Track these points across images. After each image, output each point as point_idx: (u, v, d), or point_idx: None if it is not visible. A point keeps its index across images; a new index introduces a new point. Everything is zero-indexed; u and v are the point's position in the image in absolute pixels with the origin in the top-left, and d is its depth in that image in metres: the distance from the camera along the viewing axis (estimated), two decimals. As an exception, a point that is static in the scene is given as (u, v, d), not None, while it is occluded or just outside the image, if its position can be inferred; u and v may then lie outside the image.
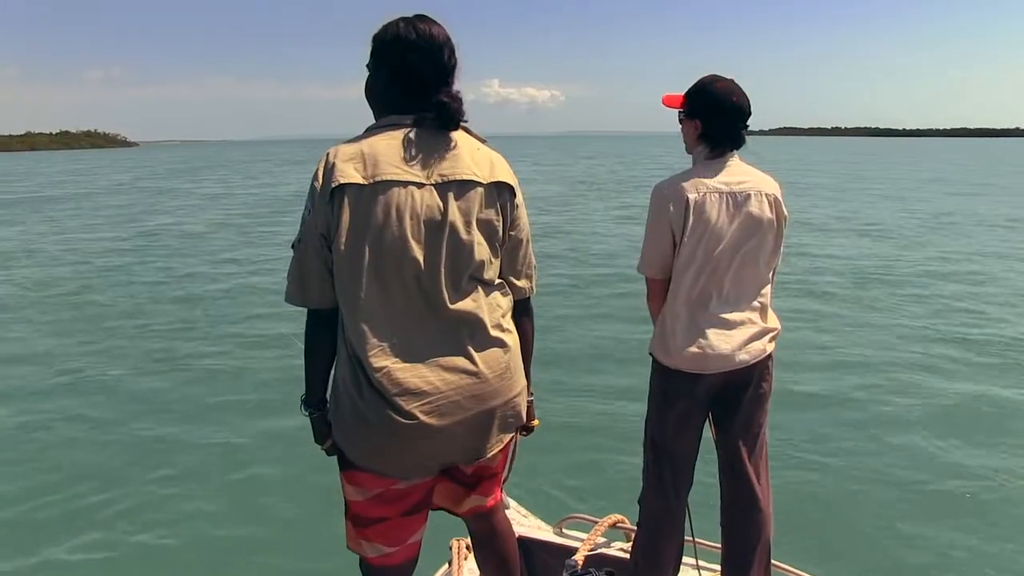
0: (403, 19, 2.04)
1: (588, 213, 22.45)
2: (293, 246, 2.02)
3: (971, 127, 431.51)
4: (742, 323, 2.68)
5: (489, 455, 2.13)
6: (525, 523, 3.37)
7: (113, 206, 27.62)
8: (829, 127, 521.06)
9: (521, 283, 2.20)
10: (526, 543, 3.15)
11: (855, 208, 23.82)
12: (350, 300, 1.95)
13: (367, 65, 2.11)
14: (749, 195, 2.64)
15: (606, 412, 6.53)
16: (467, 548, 2.91)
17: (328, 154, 1.97)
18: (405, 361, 1.95)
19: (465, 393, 2.00)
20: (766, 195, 2.66)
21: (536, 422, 2.42)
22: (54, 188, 39.73)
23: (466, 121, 2.06)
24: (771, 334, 2.74)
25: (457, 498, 2.30)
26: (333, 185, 1.91)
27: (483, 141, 2.12)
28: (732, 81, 2.70)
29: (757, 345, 2.70)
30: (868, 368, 7.70)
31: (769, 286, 2.77)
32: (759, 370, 2.73)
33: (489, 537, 2.43)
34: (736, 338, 2.66)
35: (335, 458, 2.13)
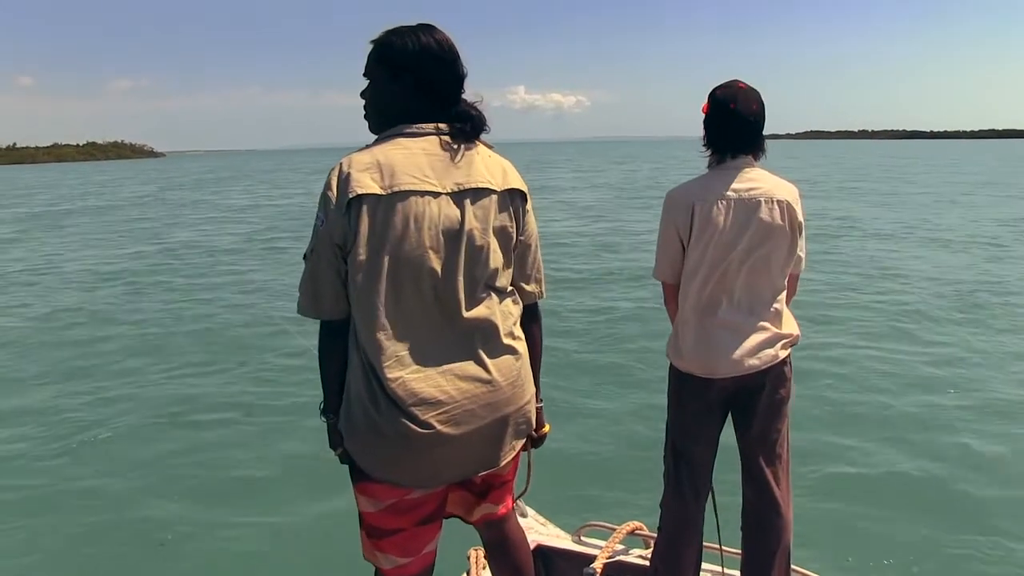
0: (419, 29, 2.05)
1: (640, 222, 20.83)
2: (305, 257, 2.03)
3: (998, 128, 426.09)
4: (753, 329, 2.70)
5: (503, 463, 2.16)
6: (543, 531, 3.41)
7: (133, 220, 26.51)
8: (856, 130, 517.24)
9: (531, 288, 2.23)
10: (544, 551, 3.21)
11: (920, 214, 22.20)
12: (366, 310, 1.97)
13: (371, 73, 2.10)
14: (759, 201, 2.65)
15: (627, 418, 6.39)
16: (485, 558, 2.86)
17: (341, 164, 1.98)
18: (420, 371, 1.97)
19: (480, 402, 2.02)
20: (777, 201, 2.66)
21: (547, 428, 2.43)
22: (75, 201, 38.80)
23: (488, 130, 2.10)
24: (784, 340, 2.75)
25: (468, 506, 2.31)
26: (350, 196, 1.92)
27: (491, 148, 2.13)
28: (736, 86, 2.70)
29: (768, 351, 2.70)
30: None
31: (784, 292, 2.78)
32: (773, 376, 2.75)
33: (502, 545, 2.44)
34: (746, 344, 2.68)
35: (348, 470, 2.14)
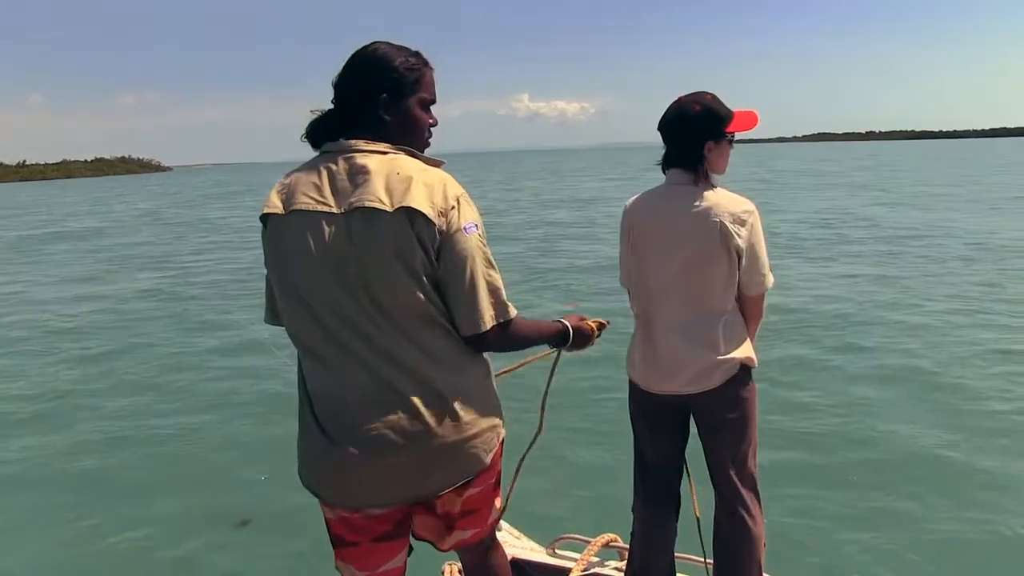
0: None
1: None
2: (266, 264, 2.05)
3: (1010, 126, 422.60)
4: (689, 351, 2.66)
5: (432, 497, 2.07)
6: (518, 544, 3.41)
7: (125, 245, 23.85)
8: (863, 131, 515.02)
9: (466, 321, 1.99)
10: (519, 565, 3.17)
11: (1014, 222, 19.74)
12: (285, 323, 2.03)
13: None
14: (694, 220, 2.59)
15: (599, 430, 6.31)
16: (459, 572, 2.92)
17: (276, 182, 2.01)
18: (338, 389, 1.95)
19: (398, 431, 1.94)
20: (712, 221, 2.58)
21: (587, 322, 2.49)
22: (69, 221, 36.15)
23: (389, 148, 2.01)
24: (725, 366, 2.67)
25: (439, 533, 2.23)
26: (261, 215, 1.98)
27: (435, 163, 2.04)
28: (681, 99, 2.65)
29: (703, 375, 2.66)
30: None
31: (725, 315, 2.67)
32: (719, 398, 2.70)
33: (479, 568, 2.39)
34: (679, 365, 2.67)
35: None
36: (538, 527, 3.74)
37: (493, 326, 2.01)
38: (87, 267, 18.79)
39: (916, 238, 17.39)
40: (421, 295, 1.94)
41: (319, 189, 1.94)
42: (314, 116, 2.07)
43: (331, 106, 2.06)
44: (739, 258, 2.62)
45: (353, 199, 1.92)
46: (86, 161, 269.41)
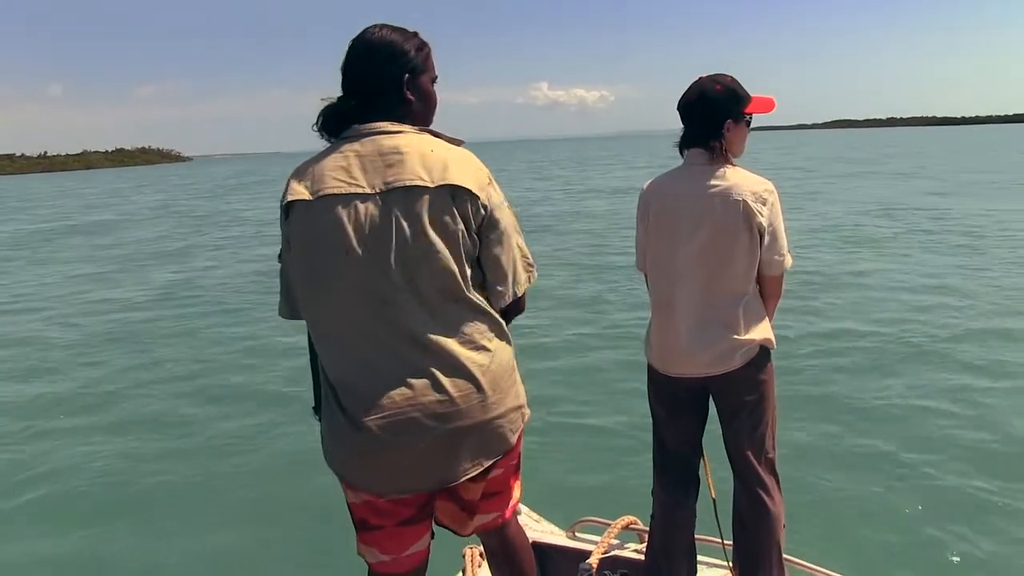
0: (361, 32, 2.04)
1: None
2: (279, 259, 2.06)
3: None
4: (708, 333, 2.64)
5: (463, 479, 2.02)
6: (537, 528, 3.41)
7: (137, 241, 22.72)
8: (884, 118, 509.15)
9: (501, 289, 2.06)
10: (539, 548, 3.15)
11: None
12: (306, 313, 2.01)
13: None
14: (715, 199, 2.57)
15: (618, 412, 6.30)
16: (480, 556, 2.88)
17: (290, 172, 2.00)
18: (363, 374, 1.93)
19: (426, 411, 1.92)
20: (734, 199, 2.57)
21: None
22: (83, 214, 35.31)
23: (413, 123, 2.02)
24: (745, 348, 2.65)
25: (460, 520, 2.23)
26: (285, 202, 1.95)
27: (456, 143, 2.05)
28: (701, 79, 2.66)
29: (723, 357, 2.64)
30: None
31: (745, 296, 2.66)
32: (737, 380, 2.69)
33: (502, 551, 2.37)
34: (698, 347, 2.64)
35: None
36: (558, 510, 3.73)
37: (525, 290, 2.12)
38: (100, 265, 17.72)
39: (993, 230, 16.20)
40: (456, 271, 1.95)
41: (348, 172, 1.93)
42: (325, 104, 2.04)
43: (340, 93, 2.05)
44: (761, 237, 2.61)
45: (390, 179, 1.91)
46: (107, 152, 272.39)
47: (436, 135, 2.03)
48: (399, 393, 1.91)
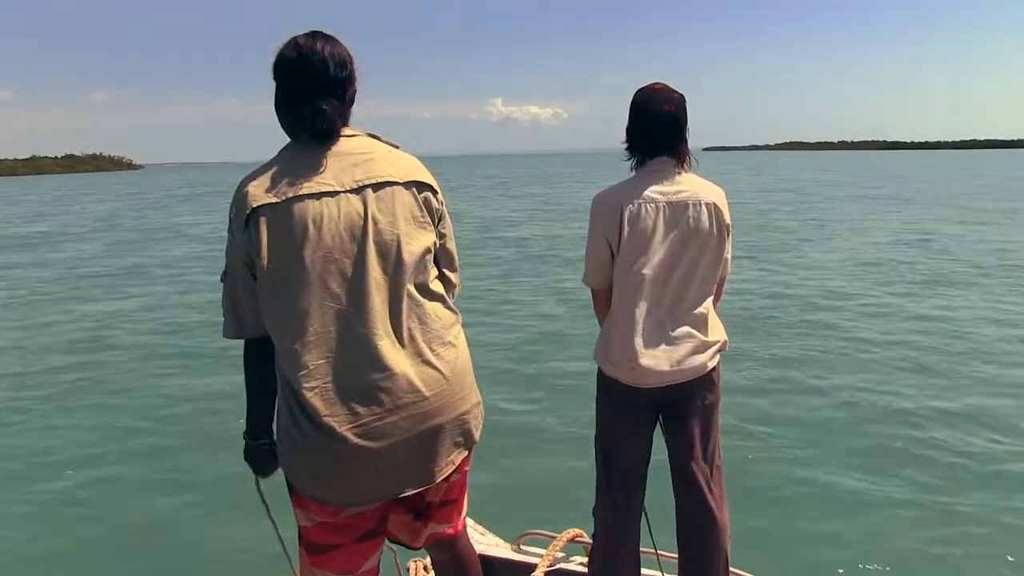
0: (295, 37, 2.01)
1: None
2: (221, 279, 2.00)
3: (979, 139, 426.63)
4: (682, 336, 2.67)
5: (439, 478, 2.05)
6: (483, 540, 3.36)
7: (69, 260, 19.58)
8: (836, 141, 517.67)
9: (455, 280, 2.19)
10: (485, 561, 3.06)
11: None
12: (278, 323, 1.92)
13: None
14: (687, 204, 2.63)
15: (562, 423, 6.41)
16: (424, 569, 2.96)
17: (241, 182, 1.96)
18: (337, 381, 1.89)
19: (402, 413, 1.92)
20: (705, 204, 2.64)
21: None
22: (13, 224, 31.72)
23: (338, 127, 2.01)
24: (713, 347, 2.72)
25: (413, 530, 2.22)
26: (247, 211, 1.89)
27: (395, 147, 2.10)
28: (650, 87, 2.70)
29: (697, 359, 2.68)
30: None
31: (711, 297, 2.74)
32: (701, 383, 2.72)
33: (452, 565, 2.36)
34: (673, 353, 2.65)
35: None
36: (503, 523, 3.68)
37: None
38: (9, 291, 14.59)
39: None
40: (428, 264, 2.04)
41: (316, 172, 1.93)
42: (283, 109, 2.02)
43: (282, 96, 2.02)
44: (727, 237, 2.70)
45: (360, 176, 1.95)
46: (56, 158, 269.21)
47: (378, 139, 2.07)
48: (376, 397, 1.89)
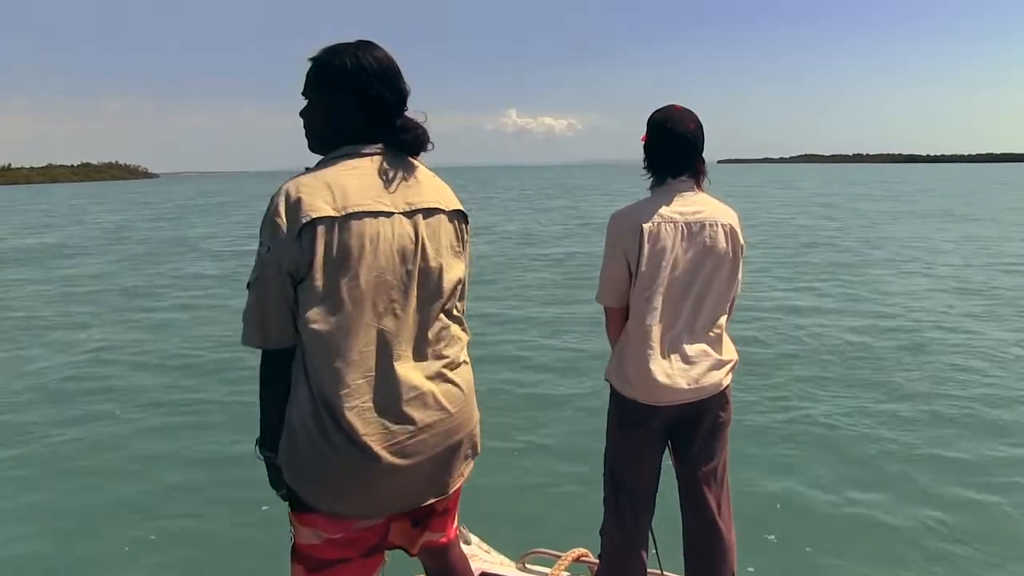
0: (357, 46, 2.01)
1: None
2: (249, 286, 1.95)
3: (996, 152, 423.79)
4: (698, 355, 2.69)
5: (452, 490, 2.13)
6: (488, 559, 3.40)
7: (67, 278, 17.88)
8: (851, 153, 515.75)
9: (464, 308, 2.21)
10: None
11: None
12: (323, 340, 1.90)
13: (310, 92, 2.04)
14: (704, 224, 2.67)
15: (570, 441, 6.31)
16: None
17: (288, 188, 1.90)
18: (377, 399, 1.92)
19: (433, 431, 1.99)
20: (722, 224, 2.69)
21: None
22: (19, 235, 30.13)
23: (430, 148, 2.07)
24: (727, 366, 2.76)
25: (411, 537, 2.25)
26: (303, 221, 1.85)
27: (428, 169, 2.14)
28: (671, 108, 2.74)
29: (713, 377, 2.71)
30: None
31: (725, 317, 2.79)
32: (716, 401, 2.76)
33: (445, 574, 2.38)
34: (690, 372, 2.68)
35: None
36: (508, 541, 3.71)
37: None
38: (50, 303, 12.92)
39: None
40: (460, 291, 2.11)
41: (373, 191, 1.94)
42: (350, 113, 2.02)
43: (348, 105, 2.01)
44: (740, 258, 2.75)
45: (413, 200, 1.98)
46: (72, 166, 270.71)
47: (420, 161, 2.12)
48: (409, 416, 1.94)
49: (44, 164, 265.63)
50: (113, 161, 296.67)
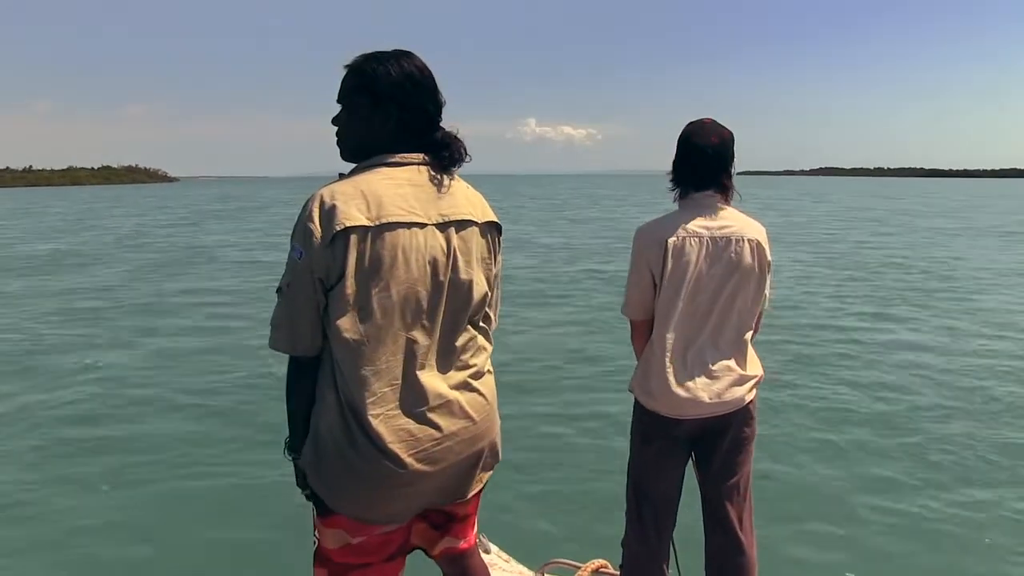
0: (399, 55, 1.99)
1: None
2: (279, 291, 1.95)
3: (1020, 167, 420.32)
4: (721, 370, 2.68)
5: (471, 494, 2.14)
6: (507, 568, 3.37)
7: (71, 291, 16.24)
8: (872, 167, 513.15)
9: (495, 318, 2.21)
10: None
11: None
12: (352, 347, 1.90)
13: (348, 100, 2.01)
14: (730, 240, 2.65)
15: (592, 451, 6.25)
16: None
17: (322, 195, 1.89)
18: (403, 407, 1.93)
19: (458, 438, 2.00)
20: (748, 240, 2.66)
21: None
22: (25, 241, 28.63)
23: (468, 160, 2.06)
24: (752, 381, 2.74)
25: (431, 540, 2.25)
26: (337, 228, 1.85)
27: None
28: (700, 121, 2.71)
29: (737, 392, 2.69)
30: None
31: (751, 332, 2.77)
32: (740, 416, 2.74)
33: None
34: (714, 386, 2.66)
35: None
36: (527, 551, 3.65)
37: None
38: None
39: None
40: (488, 299, 2.10)
41: (407, 201, 1.92)
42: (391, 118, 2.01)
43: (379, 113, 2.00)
44: (767, 273, 2.71)
45: (445, 211, 1.97)
46: (93, 169, 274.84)
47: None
48: (435, 424, 1.95)
49: (65, 167, 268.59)
50: (134, 165, 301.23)
